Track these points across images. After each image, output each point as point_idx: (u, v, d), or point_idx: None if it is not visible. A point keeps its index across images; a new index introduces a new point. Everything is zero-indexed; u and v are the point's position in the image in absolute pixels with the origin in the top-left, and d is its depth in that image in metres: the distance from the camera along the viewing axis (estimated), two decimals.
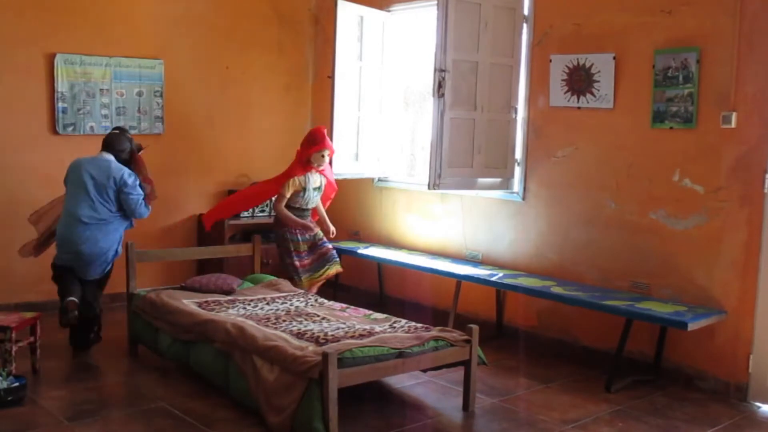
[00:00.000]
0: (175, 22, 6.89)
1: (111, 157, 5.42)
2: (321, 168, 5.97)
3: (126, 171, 5.37)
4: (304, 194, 5.90)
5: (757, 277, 4.70)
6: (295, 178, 5.88)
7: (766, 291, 4.67)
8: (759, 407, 4.67)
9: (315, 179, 5.97)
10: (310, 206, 6.03)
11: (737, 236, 4.79)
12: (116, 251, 5.44)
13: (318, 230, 6.04)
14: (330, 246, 6.08)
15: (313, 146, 5.86)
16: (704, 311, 4.78)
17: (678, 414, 4.53)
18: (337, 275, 6.31)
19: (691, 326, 4.56)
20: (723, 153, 4.83)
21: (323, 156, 5.88)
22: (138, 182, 5.42)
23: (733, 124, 4.76)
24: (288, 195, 5.90)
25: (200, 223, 7.18)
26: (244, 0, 7.31)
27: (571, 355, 5.56)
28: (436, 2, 5.65)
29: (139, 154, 5.62)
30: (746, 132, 4.73)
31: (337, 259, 6.07)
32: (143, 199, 5.43)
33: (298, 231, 5.92)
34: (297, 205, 5.95)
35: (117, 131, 5.62)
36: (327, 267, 6.00)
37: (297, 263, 5.94)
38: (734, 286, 4.81)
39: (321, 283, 6.08)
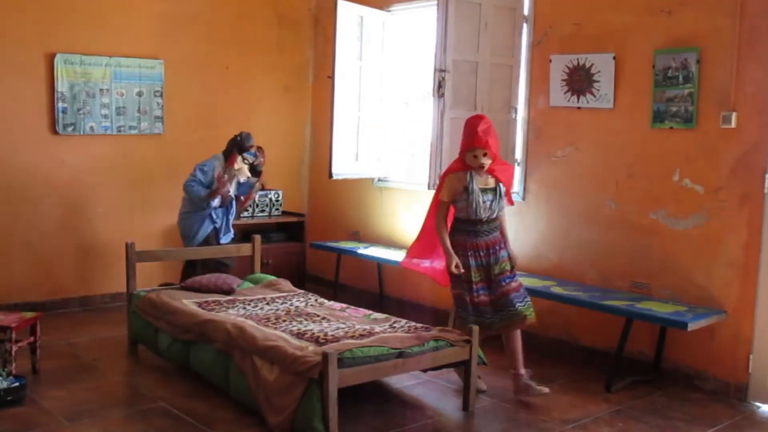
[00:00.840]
0: (175, 22, 6.89)
1: (218, 153, 6.16)
2: (483, 168, 4.52)
3: (204, 162, 6.05)
4: (469, 197, 4.47)
5: (756, 277, 4.70)
6: (451, 174, 4.57)
7: (766, 291, 4.67)
8: (759, 407, 4.67)
9: (486, 179, 4.55)
10: (484, 217, 4.50)
11: (737, 236, 4.79)
12: (184, 230, 6.15)
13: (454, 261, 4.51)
14: (517, 283, 4.57)
15: (464, 142, 4.53)
16: (704, 311, 4.78)
17: (678, 414, 4.53)
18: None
19: (691, 326, 4.56)
20: (723, 153, 4.83)
21: (476, 156, 4.46)
22: (202, 173, 5.98)
23: (733, 124, 4.76)
24: (445, 199, 4.56)
25: None
26: (244, 0, 7.31)
27: (571, 355, 5.56)
28: (436, 2, 5.65)
29: (253, 162, 6.21)
30: (746, 132, 4.73)
31: (525, 304, 4.50)
32: (194, 183, 5.97)
33: (466, 252, 4.53)
34: (464, 216, 4.55)
35: (236, 135, 6.16)
36: (509, 316, 4.47)
37: (467, 298, 4.53)
38: (734, 286, 4.81)
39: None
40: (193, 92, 7.05)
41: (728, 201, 4.82)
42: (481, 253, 4.55)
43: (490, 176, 4.59)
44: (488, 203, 4.53)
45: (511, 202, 4.78)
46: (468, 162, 4.52)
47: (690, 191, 4.99)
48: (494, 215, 4.58)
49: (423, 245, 4.84)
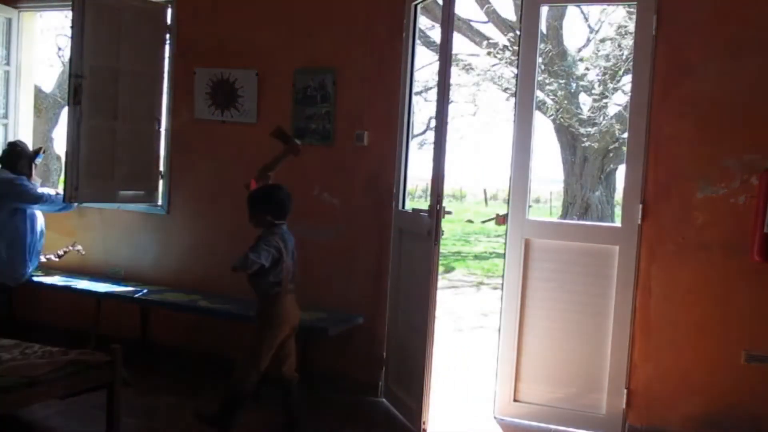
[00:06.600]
0: None
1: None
2: None
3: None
4: None
5: (387, 283, 5.13)
6: None
7: (393, 296, 5.09)
8: (387, 404, 5.08)
9: None
10: None
11: (371, 246, 5.18)
12: None
13: None
14: None
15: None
16: (343, 317, 5.09)
17: (323, 415, 4.75)
18: None
19: (332, 331, 4.83)
20: (357, 169, 5.21)
21: None
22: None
23: (366, 143, 5.16)
24: None
25: None
26: None
27: (221, 370, 5.52)
28: (70, 4, 5.30)
29: None
30: (376, 150, 5.15)
31: None
32: None
33: None
34: None
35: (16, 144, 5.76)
36: None
37: None
38: (369, 292, 5.19)
39: None
40: None
41: (362, 214, 5.20)
42: None
43: None
44: None
45: None
46: None
47: (328, 205, 5.29)
48: None
49: None
